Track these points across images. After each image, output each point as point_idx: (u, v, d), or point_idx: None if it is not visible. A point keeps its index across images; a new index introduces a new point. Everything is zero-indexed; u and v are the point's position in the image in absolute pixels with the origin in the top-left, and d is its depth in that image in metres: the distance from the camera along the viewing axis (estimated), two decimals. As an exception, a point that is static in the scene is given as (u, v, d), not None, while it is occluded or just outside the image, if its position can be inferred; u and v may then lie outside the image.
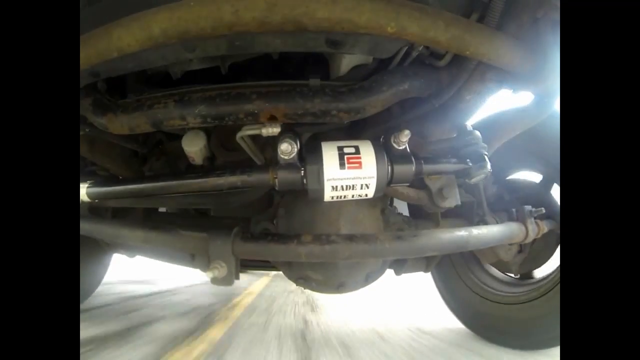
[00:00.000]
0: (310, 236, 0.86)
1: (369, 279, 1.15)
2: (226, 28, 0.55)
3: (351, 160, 0.80)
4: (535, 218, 1.10)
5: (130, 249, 1.42)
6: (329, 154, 0.81)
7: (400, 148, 0.84)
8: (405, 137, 0.82)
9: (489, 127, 0.97)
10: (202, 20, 0.54)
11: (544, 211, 1.11)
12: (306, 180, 0.81)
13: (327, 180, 0.80)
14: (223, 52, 0.70)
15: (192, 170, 1.01)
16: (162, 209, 1.45)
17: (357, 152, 0.82)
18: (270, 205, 1.15)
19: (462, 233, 0.91)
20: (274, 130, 0.83)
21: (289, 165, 0.81)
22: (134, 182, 0.95)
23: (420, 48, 0.78)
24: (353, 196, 0.83)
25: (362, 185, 0.81)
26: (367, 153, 0.82)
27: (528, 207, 1.10)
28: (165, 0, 0.57)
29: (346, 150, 0.82)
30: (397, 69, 0.83)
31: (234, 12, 0.54)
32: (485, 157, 0.88)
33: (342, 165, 0.80)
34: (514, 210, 1.13)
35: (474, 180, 0.90)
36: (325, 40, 0.68)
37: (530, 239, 1.08)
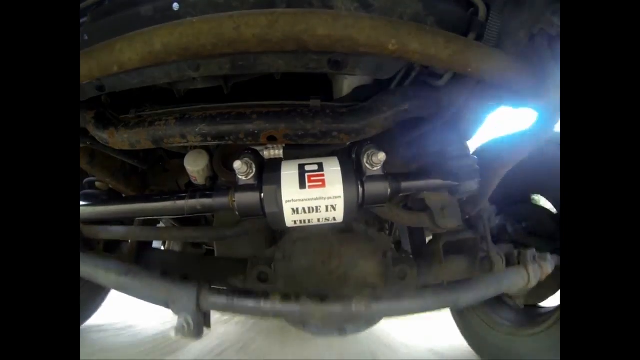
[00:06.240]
0: (278, 295, 0.81)
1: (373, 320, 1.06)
2: (227, 44, 0.56)
3: (313, 179, 0.72)
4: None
5: None
6: (288, 172, 0.74)
7: (374, 169, 0.76)
8: (379, 160, 0.74)
9: (484, 164, 0.90)
10: (203, 36, 0.55)
11: (549, 258, 1.06)
12: (264, 203, 0.73)
13: (286, 201, 0.72)
14: (226, 71, 0.71)
15: (153, 194, 0.98)
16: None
17: (321, 169, 0.74)
18: (273, 242, 1.09)
19: (449, 295, 0.87)
20: (276, 152, 0.82)
21: (247, 187, 0.75)
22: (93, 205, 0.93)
23: (419, 69, 0.78)
24: (319, 220, 0.75)
25: (327, 207, 0.72)
26: (332, 170, 0.73)
27: (532, 252, 1.04)
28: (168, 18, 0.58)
29: (308, 167, 0.74)
30: (397, 89, 0.83)
31: (235, 28, 0.55)
32: (477, 171, 0.83)
33: (302, 184, 0.72)
34: (515, 252, 1.06)
35: (462, 195, 0.85)
36: (327, 61, 0.69)
37: (532, 285, 1.01)
